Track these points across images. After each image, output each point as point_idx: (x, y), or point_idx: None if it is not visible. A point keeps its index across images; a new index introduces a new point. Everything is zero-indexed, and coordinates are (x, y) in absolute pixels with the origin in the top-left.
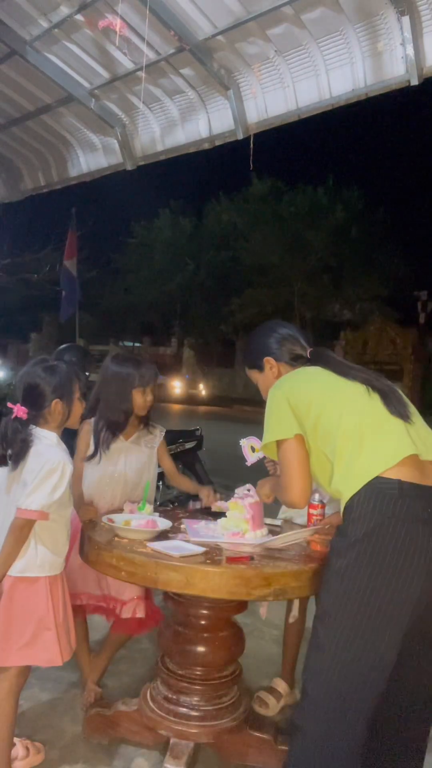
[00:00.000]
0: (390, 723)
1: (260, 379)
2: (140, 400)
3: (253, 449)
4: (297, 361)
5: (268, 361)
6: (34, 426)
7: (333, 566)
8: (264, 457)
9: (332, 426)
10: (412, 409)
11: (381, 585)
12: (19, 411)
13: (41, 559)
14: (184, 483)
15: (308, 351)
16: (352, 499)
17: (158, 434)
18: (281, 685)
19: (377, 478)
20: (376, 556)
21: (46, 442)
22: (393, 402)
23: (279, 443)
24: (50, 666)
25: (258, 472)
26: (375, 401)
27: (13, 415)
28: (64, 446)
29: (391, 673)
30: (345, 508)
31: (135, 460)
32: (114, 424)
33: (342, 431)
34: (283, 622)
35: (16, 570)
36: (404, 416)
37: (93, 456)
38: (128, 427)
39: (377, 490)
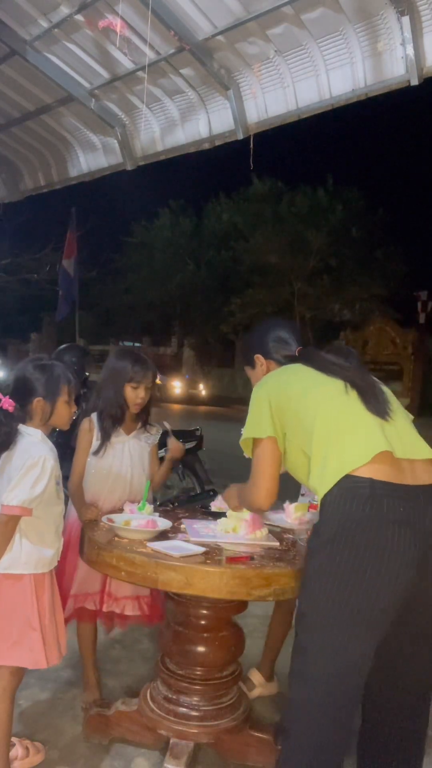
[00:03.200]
0: (385, 721)
1: (252, 375)
2: (131, 395)
3: None
4: (286, 359)
5: (258, 359)
6: (21, 423)
7: (308, 566)
8: None
9: (309, 423)
10: (395, 407)
11: (352, 585)
12: (5, 403)
13: (26, 555)
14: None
15: (297, 350)
16: (325, 497)
17: (155, 433)
18: (256, 676)
19: (349, 476)
20: (347, 557)
21: (30, 439)
22: (371, 399)
23: (254, 442)
24: (35, 668)
25: None
26: (352, 398)
27: (0, 406)
28: (49, 443)
29: (385, 671)
30: (320, 507)
31: (137, 454)
32: (113, 417)
33: (317, 428)
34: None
35: (1, 567)
36: (382, 413)
37: (98, 450)
38: (128, 422)
39: (348, 489)
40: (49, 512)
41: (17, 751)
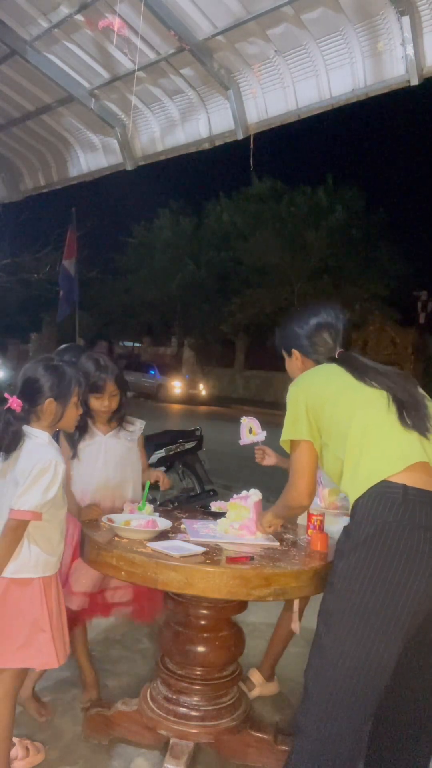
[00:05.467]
0: (396, 726)
1: (287, 363)
2: (95, 404)
3: (251, 431)
4: (324, 361)
5: (295, 353)
6: (26, 424)
7: (336, 567)
8: (257, 443)
9: (343, 427)
10: None
11: (380, 588)
12: (14, 403)
13: (35, 560)
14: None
15: (337, 353)
16: (357, 501)
17: (138, 427)
18: (256, 676)
19: (383, 482)
20: (377, 560)
21: (37, 440)
22: (411, 414)
23: (292, 443)
24: (46, 668)
25: (257, 474)
26: (390, 412)
27: (7, 406)
28: (56, 445)
29: (397, 677)
30: (351, 509)
31: (114, 453)
32: (77, 426)
33: (352, 433)
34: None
35: (9, 571)
36: (421, 429)
37: (73, 456)
38: (100, 425)
39: (381, 493)
40: (56, 515)
41: (17, 751)
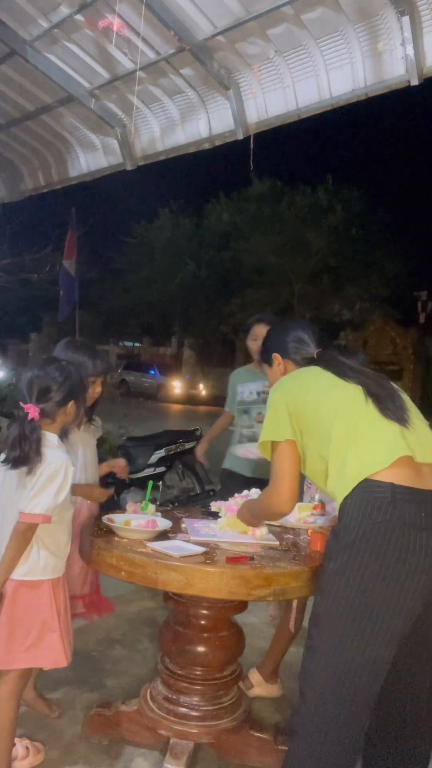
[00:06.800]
0: (395, 727)
1: (270, 373)
2: (89, 390)
3: None
4: (304, 360)
5: (276, 357)
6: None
7: (325, 569)
8: None
9: (326, 427)
10: (413, 414)
11: (371, 590)
12: (34, 412)
13: (44, 562)
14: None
15: (315, 352)
16: (344, 501)
17: (100, 423)
18: (255, 676)
19: (369, 480)
20: (367, 561)
21: (47, 443)
22: (389, 406)
23: (273, 445)
24: (55, 668)
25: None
26: (369, 405)
27: (30, 417)
28: (63, 447)
29: (394, 678)
30: (339, 510)
31: (89, 448)
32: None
33: (335, 433)
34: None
35: (19, 573)
36: (401, 420)
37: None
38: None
39: (368, 493)
40: (64, 517)
41: (17, 751)
